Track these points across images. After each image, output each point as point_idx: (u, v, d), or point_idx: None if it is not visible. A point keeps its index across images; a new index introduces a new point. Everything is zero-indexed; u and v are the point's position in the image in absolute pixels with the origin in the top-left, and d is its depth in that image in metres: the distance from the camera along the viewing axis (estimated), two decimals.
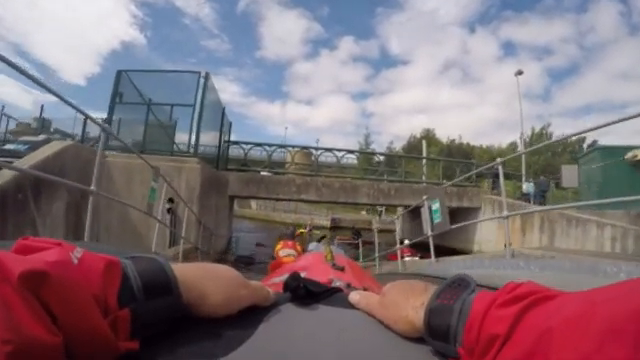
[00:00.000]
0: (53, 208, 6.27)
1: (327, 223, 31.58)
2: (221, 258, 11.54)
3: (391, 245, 13.54)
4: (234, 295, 0.49)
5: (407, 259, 8.42)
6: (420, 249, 8.91)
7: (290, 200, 18.55)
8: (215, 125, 12.45)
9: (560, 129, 47.86)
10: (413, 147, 45.55)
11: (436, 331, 0.44)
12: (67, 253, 0.35)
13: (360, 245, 10.57)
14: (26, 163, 5.78)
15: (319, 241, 7.39)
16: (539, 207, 10.82)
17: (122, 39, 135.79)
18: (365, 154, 29.38)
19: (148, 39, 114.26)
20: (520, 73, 21.74)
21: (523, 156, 17.76)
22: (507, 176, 17.65)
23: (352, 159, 19.32)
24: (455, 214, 11.46)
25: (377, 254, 8.31)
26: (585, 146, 32.73)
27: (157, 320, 0.41)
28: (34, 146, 8.44)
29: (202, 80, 9.91)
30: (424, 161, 20.36)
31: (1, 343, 0.28)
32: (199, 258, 8.01)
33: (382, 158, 20.94)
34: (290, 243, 7.92)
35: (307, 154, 18.83)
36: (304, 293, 0.59)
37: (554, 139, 41.72)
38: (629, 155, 11.54)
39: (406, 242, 8.52)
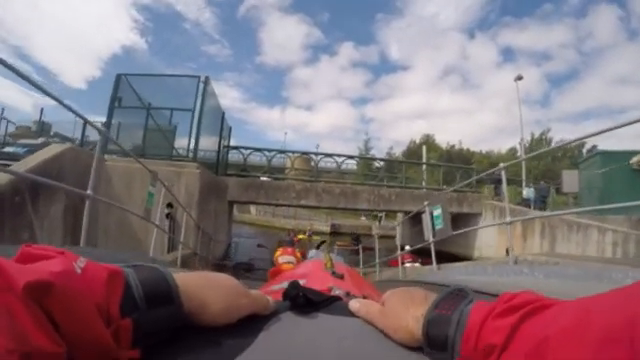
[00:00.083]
0: (51, 211, 6.23)
1: (327, 229, 31.51)
2: (220, 264, 11.49)
3: (391, 251, 13.47)
4: (234, 304, 0.50)
5: (408, 265, 8.35)
6: (421, 255, 8.83)
7: (290, 206, 18.50)
8: (215, 130, 12.43)
9: (559, 134, 47.98)
10: (413, 152, 45.57)
11: (434, 341, 0.45)
12: (70, 263, 0.36)
13: (360, 251, 10.50)
14: (23, 166, 5.74)
15: (318, 247, 7.36)
16: (543, 213, 10.78)
17: (123, 43, 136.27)
18: (365, 159, 29.30)
19: (149, 44, 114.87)
20: (520, 78, 21.78)
21: (523, 161, 17.72)
22: (508, 181, 17.63)
23: (352, 165, 19.35)
24: (455, 220, 11.43)
25: (377, 260, 8.25)
26: (584, 151, 32.77)
27: (159, 329, 0.41)
28: (33, 149, 8.42)
29: (202, 85, 9.89)
30: (424, 167, 20.34)
31: (5, 352, 0.28)
32: (198, 263, 7.95)
33: (382, 164, 20.89)
34: (289, 250, 7.91)
35: (307, 159, 18.85)
36: (303, 302, 0.59)
37: (554, 144, 41.87)
38: (634, 160, 11.50)
39: (407, 248, 8.46)
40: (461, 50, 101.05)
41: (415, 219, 7.34)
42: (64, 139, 16.27)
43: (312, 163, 17.17)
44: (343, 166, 17.13)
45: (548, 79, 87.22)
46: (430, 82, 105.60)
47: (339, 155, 16.88)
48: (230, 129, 15.66)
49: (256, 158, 16.57)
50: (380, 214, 33.75)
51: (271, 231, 27.81)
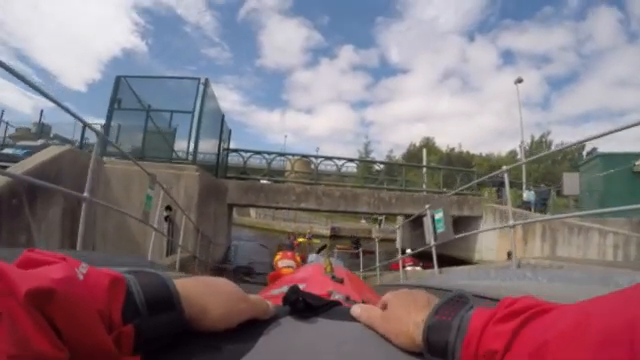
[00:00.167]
0: (49, 214, 6.17)
1: (327, 232, 31.48)
2: (219, 267, 11.43)
3: (391, 254, 13.41)
4: (234, 309, 0.50)
5: (409, 269, 8.31)
6: (422, 258, 8.79)
7: (290, 209, 18.47)
8: (214, 132, 12.39)
9: (559, 137, 48.18)
10: (413, 155, 45.59)
11: (435, 347, 0.45)
12: (72, 269, 0.36)
13: (360, 254, 10.46)
14: (21, 168, 5.69)
15: (319, 251, 7.34)
16: (546, 216, 10.73)
17: (123, 46, 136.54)
18: (365, 162, 29.27)
19: (149, 46, 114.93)
20: (520, 81, 21.72)
21: (524, 164, 17.70)
22: (504, 184, 17.59)
23: (352, 168, 19.28)
24: (456, 223, 11.40)
25: (378, 264, 8.19)
26: (584, 153, 32.74)
27: (160, 335, 0.41)
28: (32, 151, 8.39)
29: (201, 87, 9.85)
30: (424, 170, 20.30)
31: (8, 358, 0.29)
32: (197, 267, 7.90)
33: (382, 167, 20.85)
34: (289, 254, 7.90)
35: (307, 162, 18.78)
36: (303, 306, 0.60)
37: (554, 147, 41.82)
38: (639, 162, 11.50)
39: (408, 251, 8.42)
40: (461, 53, 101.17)
41: (416, 222, 7.29)
42: (64, 141, 16.25)
43: (312, 166, 17.10)
44: (343, 169, 17.10)
45: (548, 82, 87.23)
46: (430, 85, 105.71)
47: (339, 158, 16.85)
48: (230, 132, 15.62)
49: (256, 161, 16.52)
50: (380, 217, 33.67)
51: (271, 234, 27.72)
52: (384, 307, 0.57)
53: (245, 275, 10.88)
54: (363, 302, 0.88)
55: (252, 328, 0.53)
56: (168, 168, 8.78)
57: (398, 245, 9.84)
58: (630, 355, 0.28)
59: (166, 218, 7.63)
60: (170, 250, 7.60)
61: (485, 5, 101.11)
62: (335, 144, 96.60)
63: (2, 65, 2.23)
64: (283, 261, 7.65)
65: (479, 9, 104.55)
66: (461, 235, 5.51)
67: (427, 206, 5.61)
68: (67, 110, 3.09)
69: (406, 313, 0.51)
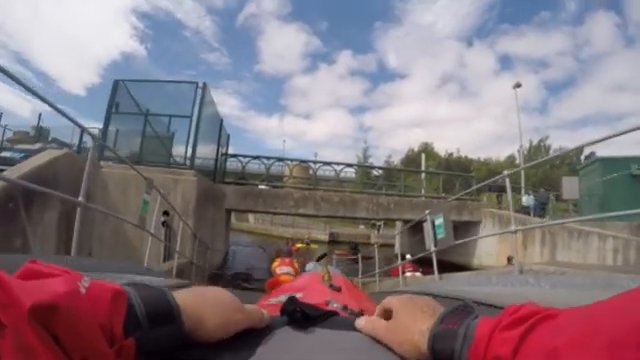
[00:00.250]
0: (45, 218, 6.13)
1: (325, 237, 31.45)
2: (217, 273, 11.38)
3: (390, 260, 13.36)
4: (230, 319, 0.51)
5: (408, 275, 8.24)
6: (422, 264, 8.73)
7: (288, 214, 18.42)
8: (213, 137, 12.37)
9: (557, 141, 48.12)
10: (411, 161, 45.59)
11: (440, 355, 0.45)
12: (75, 283, 0.36)
13: (359, 260, 10.40)
14: (17, 172, 5.67)
15: (319, 259, 7.32)
16: (549, 221, 10.69)
17: (123, 50, 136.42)
18: (364, 168, 29.24)
19: (148, 51, 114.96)
20: (518, 86, 21.69)
21: (522, 169, 17.68)
22: (504, 188, 17.59)
23: (350, 173, 19.24)
24: (455, 228, 11.38)
25: (377, 270, 8.14)
26: (583, 158, 32.72)
27: (160, 347, 0.42)
28: (30, 154, 8.36)
29: (199, 91, 9.83)
30: (423, 175, 20.27)
31: None
32: (194, 273, 7.83)
33: (381, 172, 20.82)
34: (287, 260, 7.88)
35: (305, 168, 18.78)
36: (301, 316, 0.61)
37: (552, 151, 41.86)
38: None
39: (408, 257, 8.36)
40: (459, 58, 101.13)
41: (415, 228, 7.25)
42: (62, 145, 16.19)
43: (311, 171, 17.09)
44: (342, 174, 17.05)
45: (546, 86, 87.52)
46: (428, 90, 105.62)
47: (338, 163, 16.79)
48: (228, 137, 15.61)
49: (254, 166, 16.50)
50: (379, 223, 33.65)
51: (269, 239, 27.66)
52: (387, 312, 0.57)
53: (243, 281, 10.83)
54: (361, 311, 0.94)
55: (250, 338, 0.53)
56: (166, 173, 8.74)
57: (397, 251, 9.78)
58: None
59: (163, 223, 7.58)
60: (167, 256, 7.54)
61: (483, 10, 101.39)
62: (333, 149, 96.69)
63: (5, 72, 2.20)
64: (281, 268, 7.64)
65: (477, 14, 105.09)
66: (462, 241, 5.47)
67: (427, 212, 5.56)
68: (63, 114, 3.05)
69: (412, 321, 0.51)
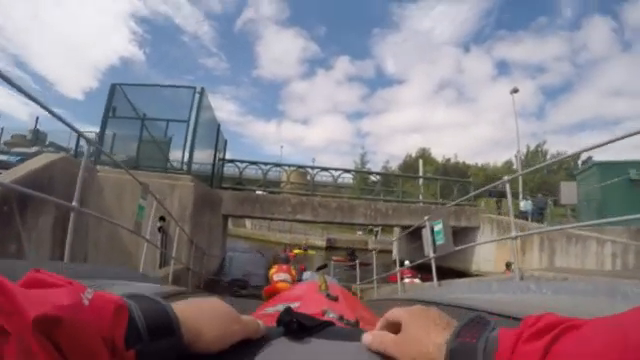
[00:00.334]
0: (40, 222, 6.06)
1: (322, 243, 31.39)
2: (214, 279, 11.32)
3: (388, 266, 13.31)
4: (227, 331, 0.51)
5: (407, 281, 8.20)
6: (420, 270, 8.69)
7: (285, 220, 18.38)
8: (210, 142, 12.34)
9: (555, 147, 48.31)
10: (409, 166, 45.72)
11: None
12: (78, 294, 0.37)
13: (357, 267, 10.36)
14: (12, 175, 5.62)
15: (318, 270, 7.32)
16: (550, 227, 10.66)
17: (121, 55, 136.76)
18: (361, 173, 29.22)
19: (147, 55, 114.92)
20: (516, 91, 21.72)
21: (520, 174, 17.70)
22: (504, 194, 17.61)
23: (348, 179, 19.21)
24: (453, 234, 11.39)
25: (375, 276, 8.09)
26: (580, 162, 32.80)
27: None
28: (26, 158, 8.32)
29: (197, 95, 9.80)
30: (421, 180, 20.27)
31: None
32: (190, 279, 7.77)
33: (378, 178, 20.82)
34: (285, 267, 7.91)
35: (303, 173, 18.74)
36: (297, 327, 0.61)
37: (549, 156, 41.96)
38: None
39: (406, 263, 8.32)
40: (456, 64, 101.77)
41: (413, 234, 7.21)
42: (59, 149, 16.18)
43: (308, 177, 17.07)
44: (339, 180, 17.03)
45: (543, 92, 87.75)
46: (425, 96, 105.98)
47: (335, 169, 16.81)
48: (226, 142, 15.60)
49: (252, 171, 16.45)
50: (376, 228, 33.61)
51: (266, 245, 27.59)
52: (393, 325, 0.56)
53: (240, 288, 10.76)
54: (357, 321, 0.95)
55: (246, 349, 0.53)
56: (162, 178, 8.69)
57: (395, 257, 9.74)
58: None
59: (160, 229, 7.52)
60: (164, 261, 7.47)
61: (480, 16, 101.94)
62: (331, 155, 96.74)
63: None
64: (279, 275, 7.65)
65: (474, 20, 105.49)
66: (461, 247, 5.43)
67: (426, 217, 5.53)
68: (59, 118, 3.02)
69: (424, 334, 0.49)
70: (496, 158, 74.71)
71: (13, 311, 0.31)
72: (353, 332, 0.73)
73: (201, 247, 9.16)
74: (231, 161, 15.40)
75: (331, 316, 0.98)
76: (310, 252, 24.82)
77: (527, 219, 15.22)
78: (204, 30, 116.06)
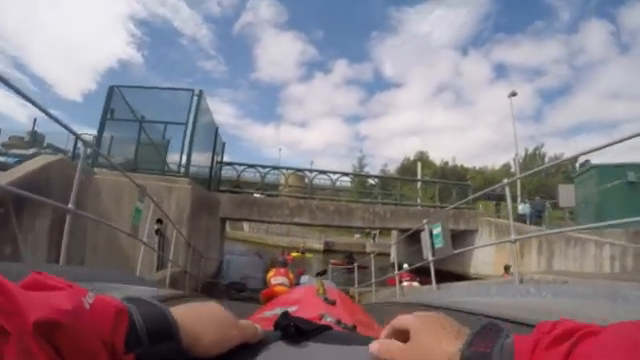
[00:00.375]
0: (36, 224, 6.02)
1: (320, 246, 31.31)
2: (211, 282, 11.28)
3: (385, 269, 13.27)
4: (225, 336, 0.51)
5: (405, 284, 8.18)
6: (419, 273, 8.67)
7: (283, 223, 18.36)
8: (208, 145, 12.31)
9: (552, 149, 48.32)
10: (407, 169, 45.68)
11: None
12: (79, 298, 0.37)
13: (355, 270, 10.33)
14: (9, 177, 5.59)
15: (317, 276, 7.32)
16: (550, 230, 10.67)
17: (120, 57, 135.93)
18: (360, 177, 29.21)
19: (145, 58, 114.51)
20: (514, 94, 21.70)
21: (518, 176, 17.69)
22: (503, 197, 17.66)
23: (346, 182, 19.19)
24: (452, 237, 11.40)
25: (374, 279, 8.06)
26: (577, 165, 32.89)
27: None
28: (23, 160, 8.31)
29: (195, 98, 9.79)
30: (419, 184, 20.27)
31: None
32: (188, 282, 7.73)
33: (376, 181, 20.81)
34: (282, 271, 7.93)
35: (301, 176, 18.71)
36: (294, 331, 0.62)
37: (547, 159, 42.00)
38: None
39: (405, 266, 8.30)
40: (454, 67, 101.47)
41: (412, 237, 7.19)
42: (56, 150, 16.15)
43: (306, 180, 17.03)
44: (337, 183, 17.04)
45: (541, 95, 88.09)
46: (424, 99, 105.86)
47: (333, 172, 16.79)
48: (224, 145, 15.57)
49: (250, 174, 16.43)
50: (374, 231, 33.58)
51: (264, 248, 27.54)
52: (400, 332, 0.53)
53: (238, 291, 10.73)
54: (354, 325, 0.96)
55: (244, 353, 0.54)
56: (160, 180, 8.66)
57: (393, 260, 9.72)
58: None
59: (157, 231, 7.49)
60: (161, 264, 7.44)
61: (479, 20, 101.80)
62: (329, 158, 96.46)
63: None
64: (276, 278, 7.68)
65: (473, 24, 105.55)
66: (460, 250, 5.41)
67: (425, 221, 5.51)
68: (56, 120, 3.00)
69: (435, 342, 0.47)
70: (494, 161, 74.67)
71: (13, 312, 0.31)
72: (350, 336, 0.74)
73: (198, 250, 9.13)
74: (229, 164, 15.36)
75: (329, 320, 1.00)
76: (308, 255, 24.80)
77: (525, 222, 15.23)
78: (203, 33, 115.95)
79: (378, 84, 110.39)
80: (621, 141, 2.83)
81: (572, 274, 5.36)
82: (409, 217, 14.88)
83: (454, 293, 4.15)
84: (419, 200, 17.84)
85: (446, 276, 8.06)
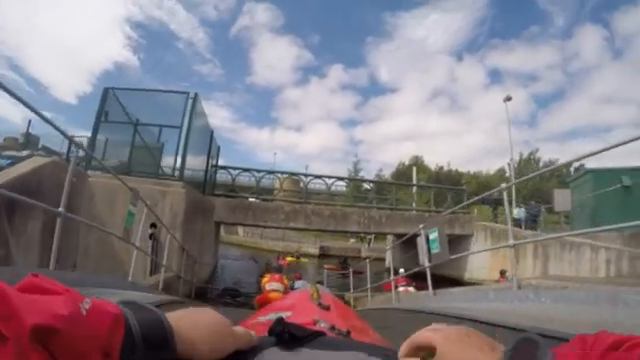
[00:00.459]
0: (28, 227, 5.94)
1: (315, 251, 31.25)
2: (205, 287, 11.20)
3: (381, 274, 13.23)
4: (220, 342, 0.51)
5: (401, 289, 8.14)
6: (415, 278, 8.63)
7: (278, 228, 18.31)
8: (203, 149, 12.27)
9: (547, 154, 48.56)
10: (402, 174, 45.81)
11: None
12: (76, 304, 0.36)
13: (351, 275, 10.29)
14: (1, 179, 5.53)
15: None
16: (549, 235, 10.68)
17: (116, 60, 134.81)
18: (355, 181, 29.22)
19: (141, 61, 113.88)
20: (509, 99, 21.73)
21: (513, 181, 17.75)
22: (499, 202, 17.71)
23: (341, 186, 19.17)
24: (448, 242, 11.38)
25: (369, 285, 8.01)
26: (572, 170, 33.02)
27: None
28: (16, 161, 8.21)
29: (190, 101, 9.73)
30: (414, 188, 20.27)
31: None
32: (181, 287, 7.66)
33: (372, 185, 20.81)
34: (277, 276, 7.97)
35: (296, 181, 18.68)
36: (288, 337, 0.62)
37: (542, 164, 42.21)
38: None
39: (401, 271, 8.26)
40: (449, 72, 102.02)
41: (407, 243, 7.14)
42: (50, 153, 15.99)
43: (301, 184, 17.00)
44: (333, 188, 17.00)
45: (535, 100, 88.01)
46: (419, 104, 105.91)
47: (329, 177, 16.78)
48: (219, 148, 15.52)
49: (245, 179, 16.38)
50: (369, 236, 33.57)
51: (259, 253, 27.44)
52: (422, 349, 0.49)
53: (232, 297, 10.65)
54: (348, 331, 0.97)
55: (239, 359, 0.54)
56: (154, 184, 8.59)
57: (388, 265, 9.70)
58: None
59: (151, 236, 7.40)
60: (154, 269, 7.35)
61: (474, 25, 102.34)
62: (324, 162, 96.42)
63: None
64: (271, 284, 7.70)
65: (468, 29, 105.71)
66: (457, 255, 5.38)
67: (421, 226, 5.46)
68: (48, 121, 2.96)
69: None
70: (489, 166, 74.96)
71: (10, 316, 0.31)
72: (343, 342, 0.76)
73: (192, 255, 9.05)
74: (224, 168, 15.33)
75: (322, 326, 1.00)
76: (303, 260, 24.76)
77: (521, 226, 15.25)
78: (199, 37, 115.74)
79: (373, 89, 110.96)
80: (616, 146, 2.82)
81: (569, 279, 5.35)
82: (404, 222, 14.86)
83: (451, 299, 4.11)
84: (414, 205, 17.84)
85: (441, 281, 8.03)
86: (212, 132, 13.45)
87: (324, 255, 30.19)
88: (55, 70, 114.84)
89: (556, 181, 35.24)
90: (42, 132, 20.60)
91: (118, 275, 5.58)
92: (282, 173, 17.13)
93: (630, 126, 57.78)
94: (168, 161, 9.98)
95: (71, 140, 3.39)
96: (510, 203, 17.82)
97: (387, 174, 53.93)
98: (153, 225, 7.19)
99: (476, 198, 10.63)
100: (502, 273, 10.32)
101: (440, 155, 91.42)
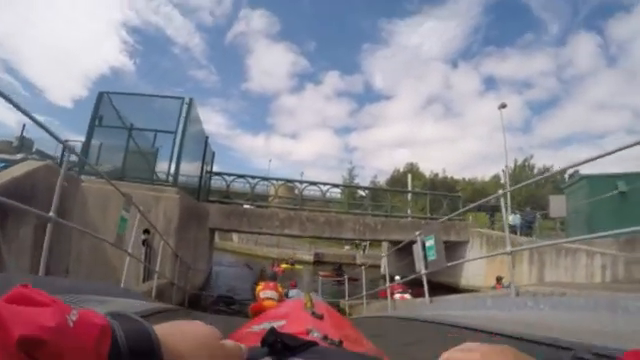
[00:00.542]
0: (20, 233, 5.87)
1: (310, 258, 31.12)
2: (199, 294, 11.11)
3: (376, 282, 13.18)
4: (209, 356, 0.50)
5: (397, 296, 8.09)
6: (411, 285, 8.60)
7: (273, 234, 18.23)
8: (197, 154, 12.21)
9: (541, 161, 48.73)
10: (397, 181, 45.77)
11: None
12: (63, 316, 0.36)
13: (346, 282, 10.24)
14: None
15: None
16: (547, 242, 10.69)
17: (111, 64, 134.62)
18: (350, 188, 29.20)
19: (137, 66, 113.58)
20: (504, 106, 21.78)
21: (508, 187, 17.77)
22: (493, 208, 17.73)
23: (336, 193, 19.16)
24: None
25: (365, 292, 7.97)
26: (567, 176, 33.19)
27: None
28: (10, 165, 8.14)
29: (185, 106, 9.69)
30: (409, 195, 20.27)
31: None
32: (174, 294, 7.57)
33: (367, 192, 20.79)
34: (271, 285, 7.96)
35: (291, 187, 18.64)
36: (281, 347, 0.63)
37: (536, 171, 42.35)
38: None
39: (397, 278, 8.21)
40: (444, 79, 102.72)
41: (403, 250, 7.10)
42: (44, 156, 15.89)
43: (296, 191, 16.97)
44: (328, 195, 17.00)
45: (529, 106, 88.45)
46: (413, 111, 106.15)
47: (324, 183, 16.77)
48: (213, 154, 15.47)
49: (239, 185, 16.34)
50: (364, 243, 33.52)
51: (254, 259, 27.31)
52: None
53: (227, 305, 10.57)
54: (341, 340, 0.97)
55: None
56: (148, 190, 8.53)
57: (384, 272, 9.65)
58: None
59: (144, 242, 7.33)
60: (147, 276, 7.27)
61: (469, 33, 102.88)
62: (319, 169, 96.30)
63: None
64: (265, 292, 7.69)
65: (463, 37, 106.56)
66: (454, 263, 5.35)
67: (417, 233, 5.43)
68: (41, 125, 2.93)
69: None
70: (484, 172, 74.87)
71: None
72: (335, 352, 0.78)
73: (186, 261, 8.97)
74: (218, 174, 15.26)
75: (315, 335, 1.01)
76: (298, 267, 24.65)
77: (516, 233, 15.26)
78: (195, 42, 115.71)
79: (368, 96, 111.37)
80: (612, 153, 2.82)
81: (566, 285, 5.33)
82: (400, 229, 14.84)
83: (448, 306, 4.07)
84: (410, 212, 17.83)
85: (437, 287, 7.99)
86: (207, 138, 13.41)
87: (319, 262, 30.05)
88: (51, 73, 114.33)
89: (551, 187, 35.32)
90: (36, 136, 20.45)
91: (111, 281, 5.50)
92: (277, 180, 17.03)
93: (624, 132, 58.29)
94: (162, 166, 9.91)
95: (64, 144, 3.34)
96: (506, 209, 18.07)
97: (382, 181, 53.95)
98: (146, 231, 7.12)
99: (473, 205, 10.60)
100: (498, 280, 10.29)
101: (435, 162, 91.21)
